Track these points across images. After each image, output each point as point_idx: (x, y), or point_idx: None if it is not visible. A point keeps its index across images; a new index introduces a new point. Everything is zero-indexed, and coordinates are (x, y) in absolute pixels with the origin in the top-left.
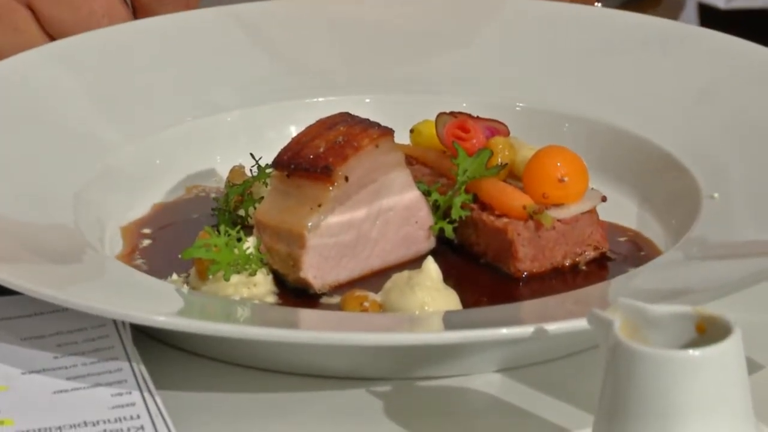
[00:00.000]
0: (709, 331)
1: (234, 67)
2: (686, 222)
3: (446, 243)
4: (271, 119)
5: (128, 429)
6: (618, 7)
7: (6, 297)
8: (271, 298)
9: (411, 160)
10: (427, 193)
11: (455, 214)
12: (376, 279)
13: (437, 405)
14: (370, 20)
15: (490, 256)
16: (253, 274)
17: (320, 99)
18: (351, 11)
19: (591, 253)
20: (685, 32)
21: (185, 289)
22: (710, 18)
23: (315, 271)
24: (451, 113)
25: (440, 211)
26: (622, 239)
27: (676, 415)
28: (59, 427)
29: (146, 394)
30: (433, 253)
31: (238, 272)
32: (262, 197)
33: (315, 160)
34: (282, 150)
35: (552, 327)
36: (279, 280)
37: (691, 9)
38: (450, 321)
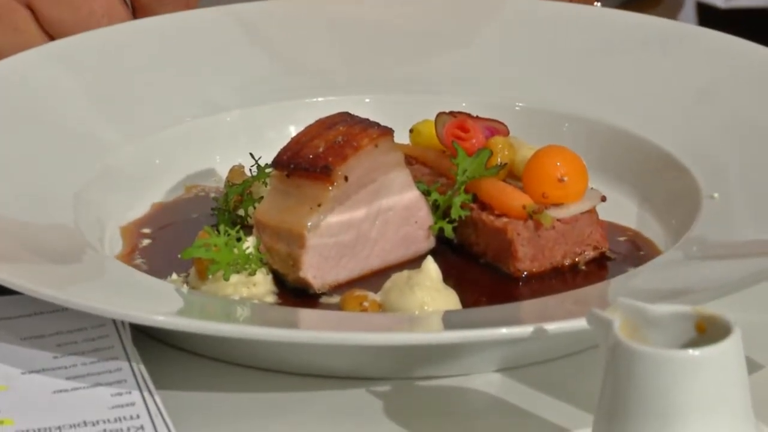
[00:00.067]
0: (709, 331)
1: (234, 66)
2: (686, 222)
3: (446, 243)
4: (271, 119)
5: (128, 429)
6: (618, 7)
7: (6, 297)
8: (271, 298)
9: (410, 159)
10: (426, 193)
11: (455, 213)
12: (375, 279)
13: (437, 405)
14: (370, 20)
15: (490, 255)
16: (252, 273)
17: (320, 99)
18: (351, 11)
19: (591, 253)
20: (684, 32)
21: (185, 288)
22: (709, 17)
23: (314, 271)
24: (451, 113)
25: (440, 211)
26: (621, 239)
27: (676, 414)
28: (59, 427)
29: (146, 394)
30: (433, 252)
31: (238, 272)
32: (262, 197)
33: (314, 160)
34: (281, 150)
35: (552, 327)
36: (279, 279)
37: (689, 9)
38: (450, 321)
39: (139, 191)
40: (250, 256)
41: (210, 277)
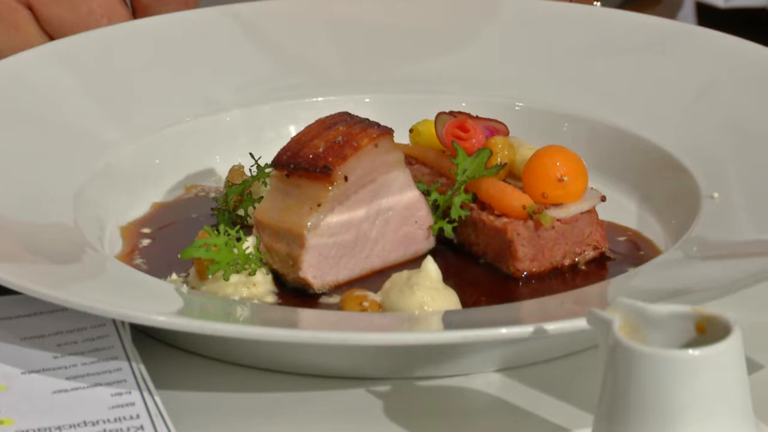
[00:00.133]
0: (708, 331)
1: (234, 66)
2: (686, 222)
3: (446, 243)
4: (271, 119)
5: (128, 429)
6: (617, 7)
7: (6, 297)
8: (271, 298)
9: (410, 159)
10: (426, 193)
11: (455, 213)
12: (375, 279)
13: (437, 405)
14: (370, 20)
15: (490, 255)
16: (252, 273)
17: (320, 99)
18: (351, 11)
19: (590, 253)
20: (684, 32)
21: (185, 288)
22: (709, 17)
23: (314, 271)
24: (451, 113)
25: (440, 211)
26: (621, 239)
27: (676, 414)
28: (59, 427)
29: (146, 394)
30: (433, 252)
31: (238, 272)
32: (262, 197)
33: (314, 160)
34: (281, 150)
35: (551, 327)
36: (278, 279)
37: (689, 8)
38: (449, 321)
39: (139, 191)
40: (250, 256)
41: (210, 277)
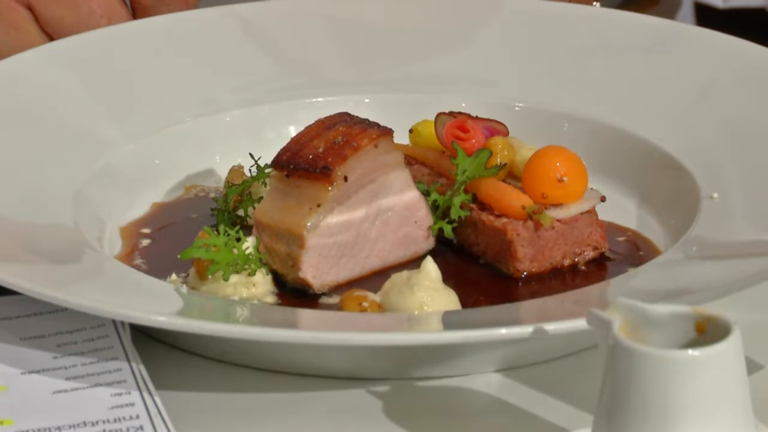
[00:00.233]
0: (708, 331)
1: (234, 67)
2: (685, 222)
3: (445, 243)
4: (271, 119)
5: (127, 429)
6: (617, 7)
7: (6, 297)
8: (271, 298)
9: (410, 160)
10: (426, 193)
11: (454, 214)
12: (375, 279)
13: (437, 405)
14: (370, 20)
15: (490, 256)
16: (252, 274)
17: (320, 99)
18: (351, 11)
19: (590, 253)
20: (683, 32)
21: (184, 289)
22: (708, 17)
23: (314, 271)
24: (451, 113)
25: (439, 211)
26: (621, 239)
27: (676, 414)
28: (58, 427)
29: (146, 395)
30: (433, 253)
31: (238, 272)
32: (261, 197)
33: (314, 160)
34: (281, 150)
35: (551, 327)
36: (278, 280)
37: (688, 9)
38: (449, 321)
39: (139, 191)
40: (250, 257)
41: (209, 277)
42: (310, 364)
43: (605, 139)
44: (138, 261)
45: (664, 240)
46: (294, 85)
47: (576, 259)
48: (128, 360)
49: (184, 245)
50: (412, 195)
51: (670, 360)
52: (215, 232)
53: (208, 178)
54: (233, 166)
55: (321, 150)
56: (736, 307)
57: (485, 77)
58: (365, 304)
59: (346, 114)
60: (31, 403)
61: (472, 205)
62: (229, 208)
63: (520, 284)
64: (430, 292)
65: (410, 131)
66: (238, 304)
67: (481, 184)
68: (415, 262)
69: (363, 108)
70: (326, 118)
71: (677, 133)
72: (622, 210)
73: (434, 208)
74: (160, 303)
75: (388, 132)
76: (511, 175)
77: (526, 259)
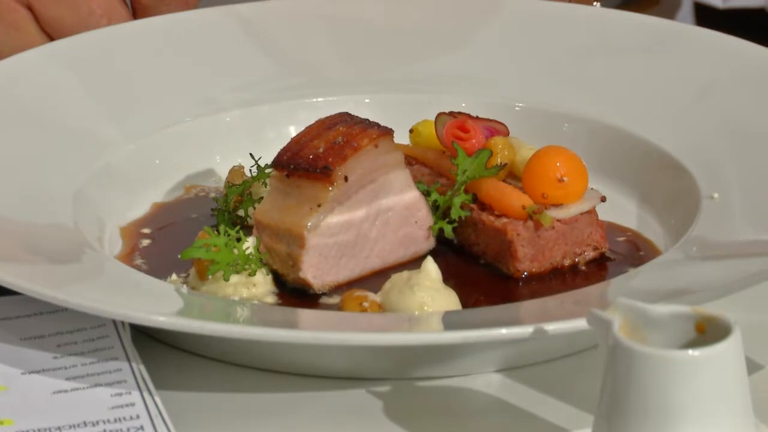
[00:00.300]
0: (708, 331)
1: (234, 67)
2: (685, 222)
3: (446, 243)
4: (271, 119)
5: (128, 429)
6: (617, 7)
7: (6, 297)
8: (271, 299)
9: (410, 160)
10: (426, 193)
11: (455, 214)
12: (375, 279)
13: (437, 405)
14: (370, 20)
15: (490, 256)
16: (252, 274)
17: (320, 99)
18: (351, 11)
19: (590, 253)
20: (683, 32)
21: (185, 289)
22: (707, 18)
23: (314, 271)
24: (451, 113)
25: (440, 211)
26: (621, 239)
27: (676, 414)
28: (59, 428)
29: (146, 395)
30: (433, 253)
31: (238, 272)
32: (262, 197)
33: (314, 160)
34: (281, 150)
35: (551, 327)
36: (278, 280)
37: (688, 9)
38: (449, 321)
39: (139, 191)
40: (250, 257)
41: (210, 277)
42: (310, 364)
43: (605, 139)
44: (138, 261)
45: (664, 240)
46: (294, 85)
47: (576, 259)
48: (128, 360)
49: (185, 245)
50: (413, 195)
51: (670, 360)
52: (215, 232)
53: (208, 178)
54: (233, 166)
55: (321, 150)
56: (736, 307)
57: (485, 77)
58: (365, 304)
59: (347, 114)
60: (31, 403)
61: (473, 205)
62: (230, 208)
63: (520, 284)
64: (430, 292)
65: (410, 131)
66: (239, 304)
67: (481, 184)
68: (415, 262)
69: (363, 108)
70: (326, 118)
71: (677, 133)
72: (622, 210)
73: (434, 208)
74: (160, 303)
75: (388, 132)
76: (512, 175)
77: (527, 259)
